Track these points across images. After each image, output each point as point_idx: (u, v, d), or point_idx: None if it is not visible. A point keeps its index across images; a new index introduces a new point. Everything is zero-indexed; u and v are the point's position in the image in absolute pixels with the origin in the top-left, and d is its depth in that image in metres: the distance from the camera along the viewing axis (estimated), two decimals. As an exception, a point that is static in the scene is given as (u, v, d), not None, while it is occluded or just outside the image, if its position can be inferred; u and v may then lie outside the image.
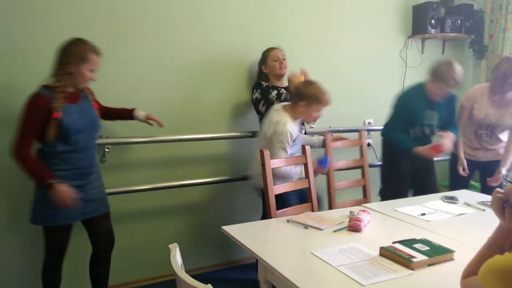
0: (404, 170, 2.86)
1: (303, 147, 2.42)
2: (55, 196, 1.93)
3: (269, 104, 2.68)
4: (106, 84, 2.54)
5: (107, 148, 2.56)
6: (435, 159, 2.93)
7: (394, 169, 2.89)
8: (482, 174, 3.06)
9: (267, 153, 2.18)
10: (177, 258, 1.28)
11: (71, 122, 1.97)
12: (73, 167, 2.03)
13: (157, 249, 2.74)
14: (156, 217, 2.79)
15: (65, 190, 1.95)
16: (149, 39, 2.65)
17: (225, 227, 1.84)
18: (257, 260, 1.63)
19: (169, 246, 1.32)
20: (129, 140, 2.57)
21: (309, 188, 2.38)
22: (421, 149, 2.66)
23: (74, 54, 1.96)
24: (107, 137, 2.54)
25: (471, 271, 1.12)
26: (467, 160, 2.97)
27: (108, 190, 2.54)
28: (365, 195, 2.77)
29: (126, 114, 2.36)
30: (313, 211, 2.32)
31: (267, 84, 2.79)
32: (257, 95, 2.75)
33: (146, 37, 2.64)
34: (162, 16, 2.67)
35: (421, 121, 2.77)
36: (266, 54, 2.83)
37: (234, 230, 1.81)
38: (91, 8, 2.48)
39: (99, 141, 2.52)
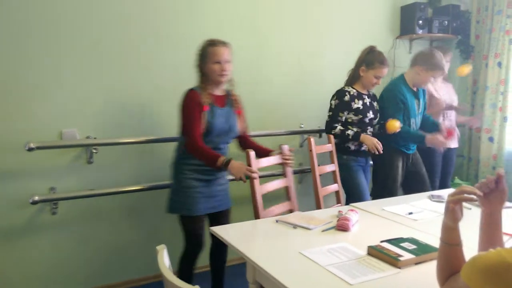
0: (397, 171, 2.91)
1: (280, 146, 2.42)
2: (234, 173, 2.09)
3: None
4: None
5: (95, 149, 2.54)
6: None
7: (388, 170, 2.90)
8: (444, 163, 3.16)
9: (252, 154, 2.19)
10: (164, 259, 1.27)
11: (215, 124, 2.16)
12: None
13: (146, 250, 2.73)
14: (145, 217, 2.77)
15: (239, 166, 2.10)
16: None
17: (213, 228, 1.84)
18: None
19: (157, 247, 1.31)
20: (117, 141, 2.55)
21: (288, 187, 2.39)
22: (431, 138, 2.77)
23: (198, 55, 2.18)
24: (94, 138, 2.52)
25: (444, 275, 1.14)
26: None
27: (96, 192, 2.53)
28: (339, 200, 2.75)
29: (263, 152, 2.34)
30: (293, 210, 2.33)
31: (354, 91, 2.76)
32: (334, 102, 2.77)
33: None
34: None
35: (413, 112, 2.90)
36: (374, 63, 2.71)
37: (223, 231, 1.81)
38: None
39: (86, 141, 2.51)
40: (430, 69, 2.80)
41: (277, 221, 1.95)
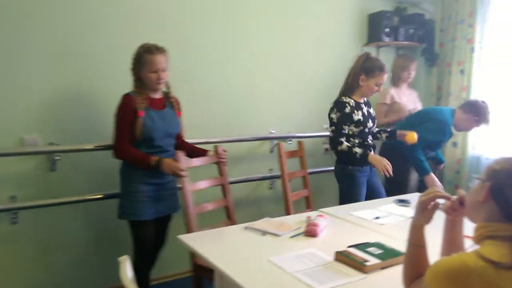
0: (410, 176, 3.01)
1: (215, 147, 2.45)
2: (166, 171, 2.13)
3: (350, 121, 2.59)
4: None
5: (58, 156, 2.45)
6: None
7: (403, 176, 2.96)
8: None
9: (180, 153, 2.21)
10: (127, 271, 1.23)
11: (156, 128, 2.16)
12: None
13: (110, 260, 2.65)
14: (110, 226, 2.68)
15: (169, 163, 2.13)
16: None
17: (181, 236, 1.80)
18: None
19: (119, 258, 1.27)
20: (81, 148, 2.47)
21: (224, 185, 2.40)
22: (431, 178, 2.91)
23: (133, 60, 2.16)
24: (57, 145, 2.44)
25: (411, 277, 1.17)
26: None
27: (59, 200, 2.45)
28: (309, 205, 2.77)
29: (199, 153, 2.40)
30: (228, 209, 2.38)
31: (352, 101, 2.60)
32: (336, 115, 2.59)
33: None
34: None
35: (443, 144, 3.01)
36: (375, 71, 2.57)
37: (190, 239, 1.78)
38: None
39: (49, 148, 2.43)
40: (481, 122, 2.95)
41: (246, 228, 1.93)
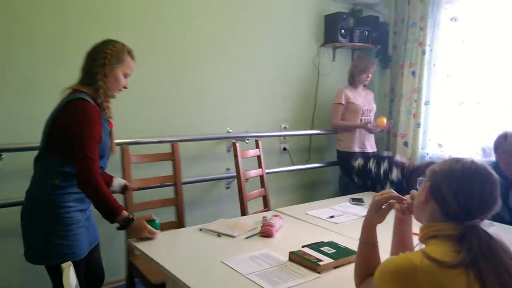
0: None
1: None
2: (130, 232, 1.71)
3: None
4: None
5: (-1, 155, 2.30)
6: None
7: None
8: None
9: (126, 148, 2.13)
10: (70, 279, 1.16)
11: (108, 144, 1.77)
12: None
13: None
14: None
15: (140, 226, 1.70)
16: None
17: (131, 240, 1.73)
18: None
19: (62, 265, 1.20)
20: (24, 146, 2.32)
21: (175, 183, 2.36)
22: None
23: (110, 54, 1.72)
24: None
25: (362, 275, 1.19)
26: (363, 152, 3.48)
27: (1, 202, 2.30)
28: (266, 205, 2.76)
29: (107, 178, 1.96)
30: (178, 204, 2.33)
31: None
32: None
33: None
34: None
35: None
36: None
37: (142, 243, 1.71)
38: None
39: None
40: None
41: (200, 229, 1.89)
